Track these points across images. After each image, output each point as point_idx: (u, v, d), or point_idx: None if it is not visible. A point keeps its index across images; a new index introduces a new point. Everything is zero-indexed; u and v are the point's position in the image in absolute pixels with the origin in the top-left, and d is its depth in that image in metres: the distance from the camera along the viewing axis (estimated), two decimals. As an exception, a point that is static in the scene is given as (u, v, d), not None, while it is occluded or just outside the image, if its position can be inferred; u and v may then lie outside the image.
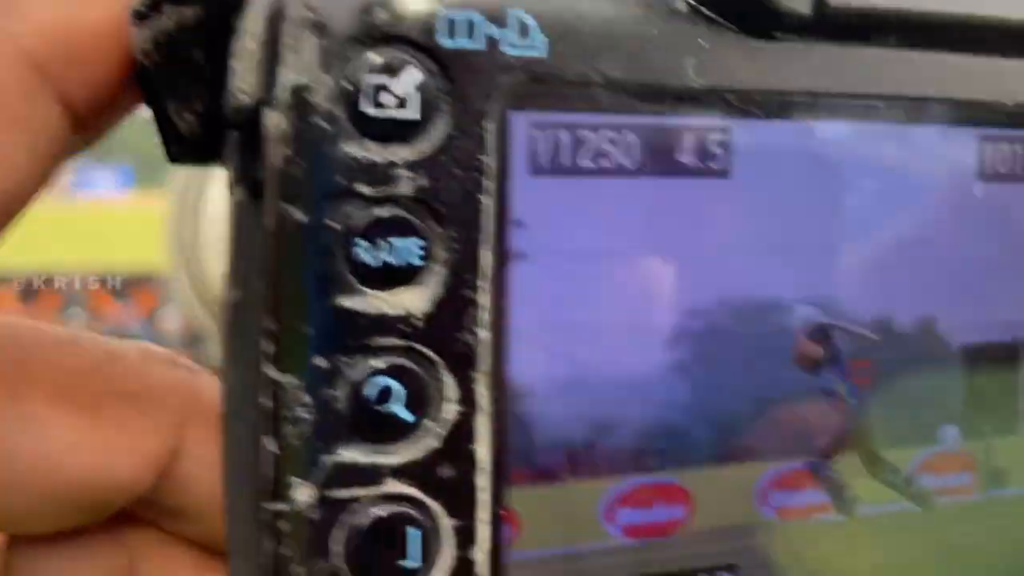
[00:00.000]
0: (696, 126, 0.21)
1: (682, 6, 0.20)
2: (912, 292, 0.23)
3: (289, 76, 0.19)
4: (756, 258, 0.22)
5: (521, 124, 0.20)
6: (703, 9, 0.20)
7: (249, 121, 0.19)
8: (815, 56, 0.21)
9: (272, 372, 0.19)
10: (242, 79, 0.19)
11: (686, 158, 0.21)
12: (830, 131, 0.22)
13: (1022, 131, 0.24)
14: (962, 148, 0.23)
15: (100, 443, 0.25)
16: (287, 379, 0.19)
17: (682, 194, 0.21)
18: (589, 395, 0.21)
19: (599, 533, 0.21)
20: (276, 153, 0.19)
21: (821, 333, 0.23)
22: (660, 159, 0.21)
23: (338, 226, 0.19)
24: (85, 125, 0.22)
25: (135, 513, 0.26)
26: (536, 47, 0.19)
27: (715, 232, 0.22)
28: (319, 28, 0.18)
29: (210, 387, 0.27)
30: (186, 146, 0.22)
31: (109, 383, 0.26)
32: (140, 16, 0.21)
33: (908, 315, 0.23)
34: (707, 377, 0.22)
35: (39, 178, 0.22)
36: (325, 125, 0.18)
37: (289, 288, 0.19)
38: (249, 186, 0.21)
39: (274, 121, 0.19)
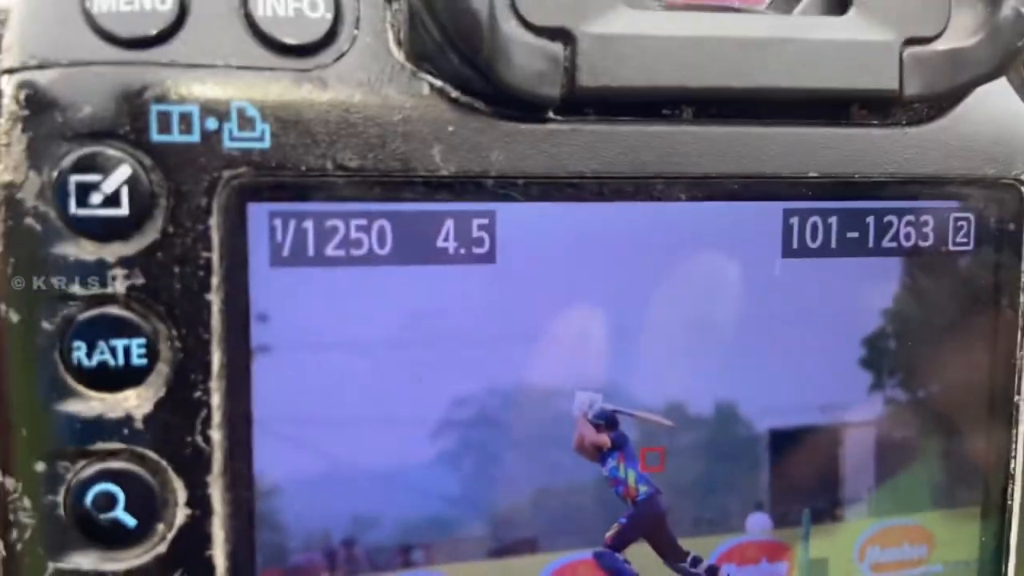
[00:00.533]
0: (454, 212, 0.20)
1: (425, 88, 0.20)
2: (710, 376, 0.22)
3: (1, 173, 0.18)
4: (529, 345, 0.21)
5: (260, 215, 0.19)
6: (449, 90, 0.20)
7: None
8: (581, 137, 0.20)
9: None
10: None
11: (447, 244, 0.20)
12: (607, 212, 0.21)
13: (828, 203, 0.22)
14: (761, 224, 0.22)
15: None
16: (10, 482, 0.19)
17: (444, 281, 0.20)
18: (346, 490, 0.20)
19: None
20: None
21: (605, 420, 0.22)
22: (418, 246, 0.20)
23: (52, 327, 0.18)
24: None
25: None
26: (260, 139, 0.19)
27: (482, 319, 0.21)
28: (29, 124, 0.18)
29: None
30: None
31: None
32: None
33: (706, 399, 0.22)
34: (478, 468, 0.21)
35: None
36: (35, 224, 0.18)
37: (10, 390, 0.18)
38: None
39: None
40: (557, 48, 0.19)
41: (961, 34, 0.21)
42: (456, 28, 0.18)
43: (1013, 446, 0.24)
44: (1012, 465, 0.24)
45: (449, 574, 0.21)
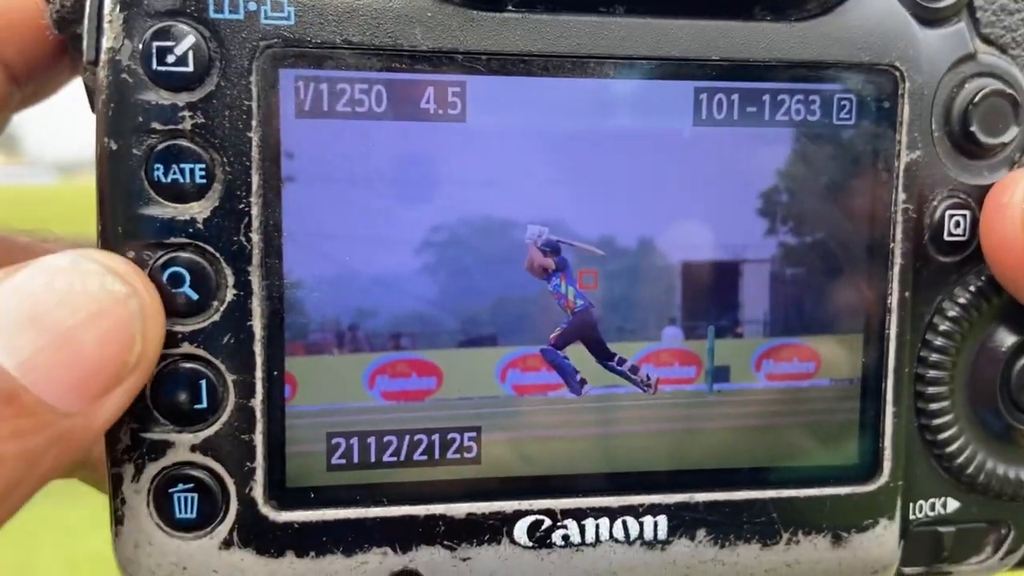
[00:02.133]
0: (434, 80, 0.27)
1: None
2: (634, 217, 0.28)
3: (105, 42, 0.25)
4: (491, 188, 0.28)
5: (288, 77, 0.26)
6: None
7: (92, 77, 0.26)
8: (530, 24, 0.27)
9: None
10: (85, 44, 0.26)
11: (428, 106, 0.27)
12: (552, 85, 0.27)
13: (730, 83, 0.28)
14: (676, 98, 0.28)
15: None
16: None
17: (426, 135, 0.27)
18: (352, 288, 0.27)
19: (362, 395, 0.28)
20: (98, 99, 0.26)
21: (551, 247, 0.28)
22: (406, 107, 0.27)
23: (139, 153, 0.25)
24: (21, 82, 0.30)
25: None
26: (287, 18, 0.25)
27: (454, 165, 0.27)
28: (125, 5, 0.25)
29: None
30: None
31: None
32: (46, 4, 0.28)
33: (632, 236, 0.29)
34: (451, 279, 0.28)
35: None
36: (128, 78, 0.25)
37: (109, 198, 0.26)
38: None
39: (99, 76, 0.25)
40: None
41: None
42: None
43: (889, 285, 0.30)
44: (888, 300, 0.30)
45: (428, 357, 0.28)
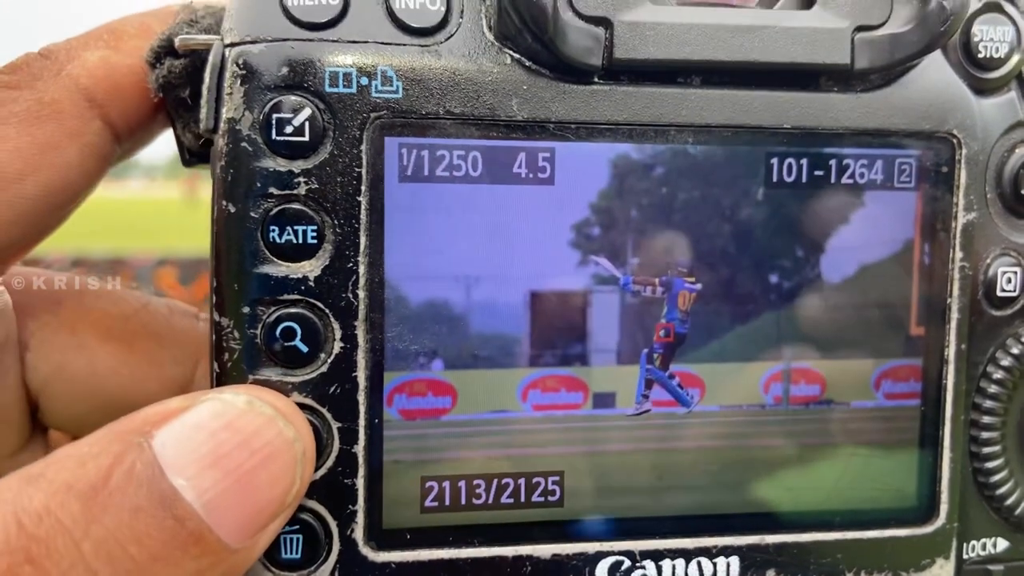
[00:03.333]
0: (526, 147, 0.29)
1: (508, 59, 0.28)
2: (715, 262, 0.30)
3: (226, 112, 0.27)
4: (579, 242, 0.29)
5: (393, 145, 0.28)
6: (524, 61, 0.28)
7: (208, 141, 0.28)
8: (616, 96, 0.29)
9: (215, 316, 0.28)
10: (204, 112, 0.28)
11: (520, 170, 0.29)
12: (635, 151, 0.29)
13: (799, 148, 0.30)
14: (749, 163, 0.30)
15: (134, 369, 0.35)
16: (224, 321, 0.28)
17: (517, 197, 0.29)
18: (449, 342, 0.29)
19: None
20: (217, 164, 0.27)
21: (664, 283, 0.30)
22: (500, 171, 0.29)
23: (257, 215, 0.27)
24: (122, 139, 0.32)
25: None
26: (395, 92, 0.27)
27: (542, 225, 0.29)
28: (244, 80, 0.27)
29: None
30: (192, 155, 0.32)
31: (143, 326, 0.36)
32: (150, 64, 0.30)
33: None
34: (544, 328, 0.30)
35: (88, 178, 0.31)
36: (247, 146, 0.27)
37: (225, 257, 0.28)
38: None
39: (219, 144, 0.27)
40: (600, 31, 0.28)
41: (899, 22, 0.29)
42: (530, 17, 0.27)
43: (947, 337, 0.32)
44: (946, 352, 0.32)
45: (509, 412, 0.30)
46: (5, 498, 0.22)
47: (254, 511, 0.24)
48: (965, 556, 0.33)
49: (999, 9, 0.31)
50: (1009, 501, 0.33)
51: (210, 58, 0.28)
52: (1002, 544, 0.34)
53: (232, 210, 0.27)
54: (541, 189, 0.29)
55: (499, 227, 0.29)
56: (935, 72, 0.31)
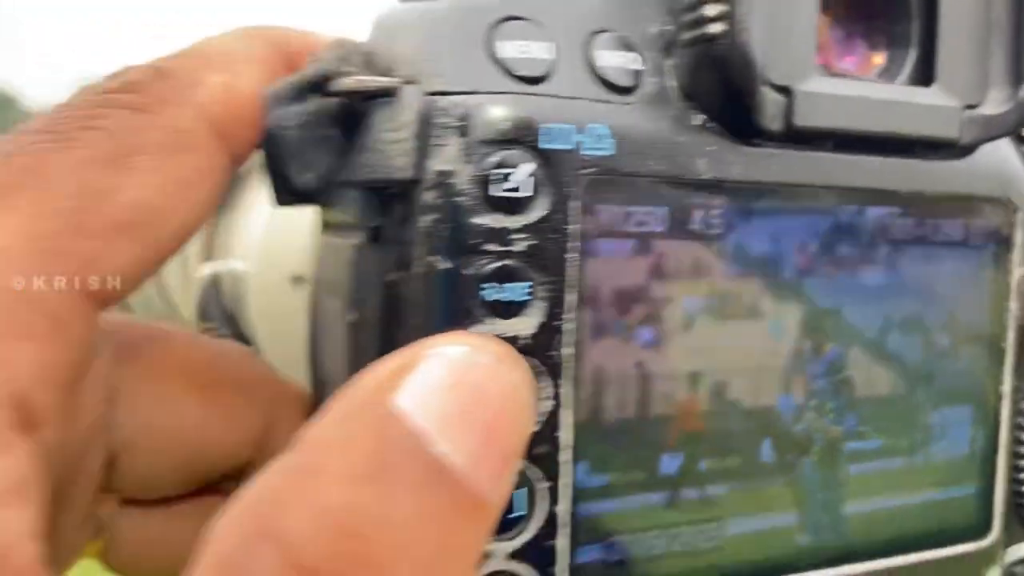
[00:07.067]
0: (704, 204, 0.30)
1: (698, 121, 0.29)
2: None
3: (437, 164, 0.26)
4: (749, 292, 0.31)
5: (599, 202, 0.28)
6: (712, 124, 0.29)
7: (400, 191, 0.27)
8: (784, 158, 0.31)
9: None
10: (394, 160, 0.26)
11: (695, 226, 0.30)
12: (799, 210, 0.31)
13: (913, 209, 0.34)
14: (880, 222, 0.33)
15: (217, 420, 0.32)
16: None
17: (691, 250, 0.30)
18: (636, 393, 0.29)
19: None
20: (426, 218, 0.26)
21: None
22: (679, 227, 0.30)
23: (471, 272, 0.26)
24: (239, 166, 0.29)
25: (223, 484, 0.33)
26: (607, 149, 0.28)
27: (716, 276, 0.30)
28: (462, 132, 0.26)
29: (288, 379, 0.34)
30: (295, 196, 0.29)
31: (222, 373, 0.33)
32: (283, 100, 0.28)
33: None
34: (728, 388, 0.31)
35: (210, 209, 0.28)
36: (463, 200, 0.26)
37: (437, 315, 0.26)
38: (369, 233, 0.28)
39: (426, 196, 0.26)
40: (783, 99, 0.29)
41: (994, 104, 0.33)
42: (741, 83, 0.28)
43: (1003, 376, 0.37)
44: (1001, 388, 0.37)
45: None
46: (286, 499, 0.20)
47: (502, 462, 0.22)
48: (1004, 562, 0.38)
49: None
50: None
51: (409, 104, 0.27)
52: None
53: (444, 266, 0.26)
54: (712, 244, 0.30)
55: (682, 280, 0.30)
56: (999, 146, 0.35)
